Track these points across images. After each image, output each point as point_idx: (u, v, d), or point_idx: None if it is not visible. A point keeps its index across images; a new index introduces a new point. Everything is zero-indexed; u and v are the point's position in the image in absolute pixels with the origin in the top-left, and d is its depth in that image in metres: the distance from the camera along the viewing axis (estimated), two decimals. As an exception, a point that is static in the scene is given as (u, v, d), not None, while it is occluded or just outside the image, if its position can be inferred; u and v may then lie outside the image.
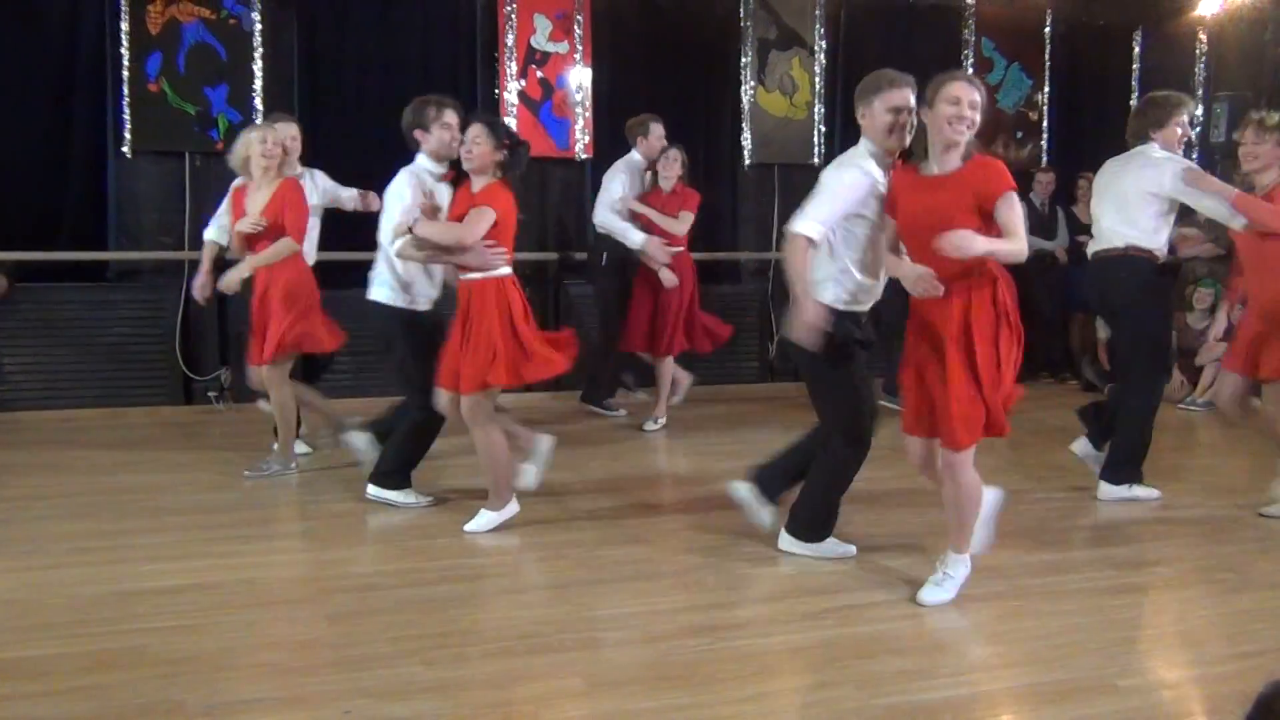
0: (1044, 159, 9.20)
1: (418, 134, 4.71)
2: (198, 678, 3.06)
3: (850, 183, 3.68)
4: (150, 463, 5.73)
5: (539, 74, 7.88)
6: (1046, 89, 9.25)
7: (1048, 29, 9.19)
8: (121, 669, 3.12)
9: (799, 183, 7.39)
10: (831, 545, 4.11)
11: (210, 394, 7.30)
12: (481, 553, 4.27)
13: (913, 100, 3.66)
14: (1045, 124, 9.29)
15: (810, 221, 3.62)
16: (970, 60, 8.93)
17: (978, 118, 3.45)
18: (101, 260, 7.16)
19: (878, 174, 3.69)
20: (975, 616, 3.60)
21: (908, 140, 3.66)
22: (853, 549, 4.12)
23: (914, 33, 8.76)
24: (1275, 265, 4.54)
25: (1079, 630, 3.45)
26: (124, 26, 7.00)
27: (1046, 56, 9.23)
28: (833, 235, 3.72)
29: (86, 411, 6.92)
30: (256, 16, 7.27)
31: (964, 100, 3.41)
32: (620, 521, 4.66)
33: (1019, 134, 9.20)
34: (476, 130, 4.32)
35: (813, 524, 4.10)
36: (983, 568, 3.78)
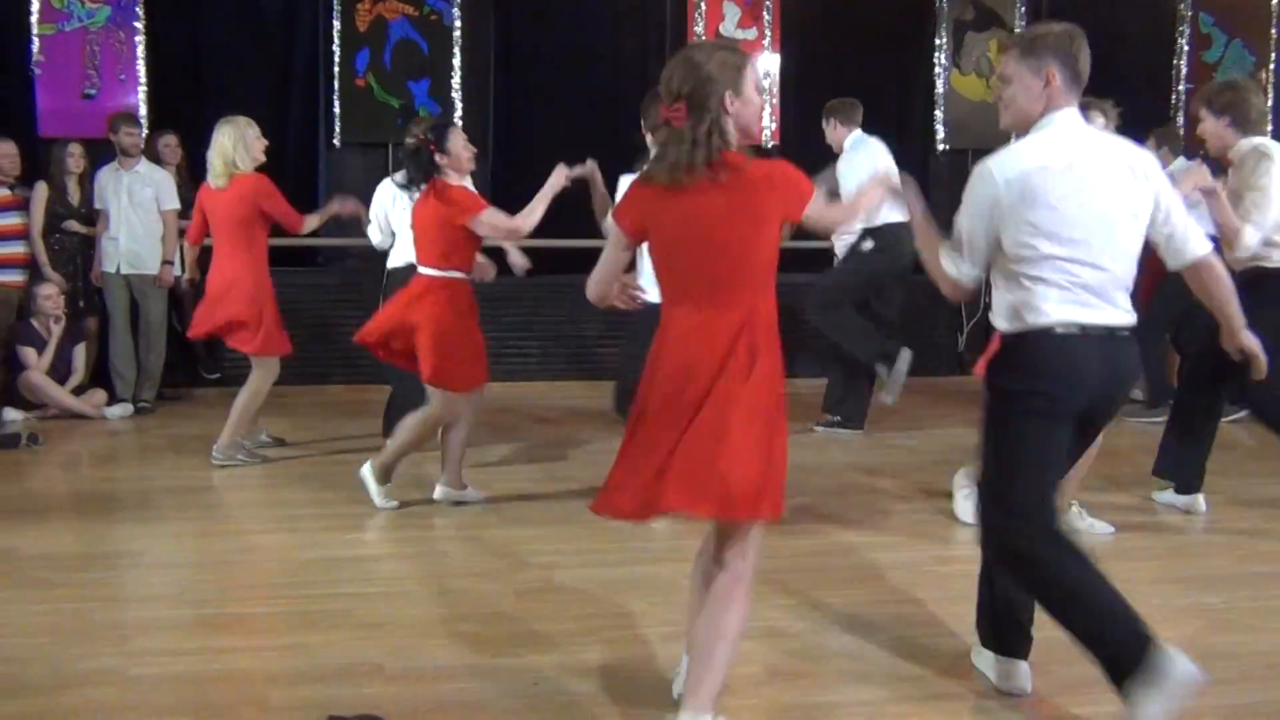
0: (1269, 142, 8.56)
1: None
2: (395, 642, 3.22)
3: None
4: (352, 438, 6.05)
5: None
6: (1272, 66, 8.57)
7: (1275, 1, 8.52)
8: (326, 630, 3.32)
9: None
10: None
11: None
12: (660, 537, 4.32)
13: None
14: (1271, 104, 8.62)
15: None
16: (1186, 36, 8.38)
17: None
18: (312, 246, 7.62)
19: None
20: (1184, 629, 3.40)
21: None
22: None
23: (1124, 8, 8.28)
24: None
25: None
26: (336, 25, 7.41)
27: (1273, 30, 8.55)
28: None
29: (296, 388, 7.36)
30: (457, 12, 7.55)
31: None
32: (802, 515, 4.62)
33: (1240, 115, 8.58)
34: None
35: None
36: (1194, 578, 3.57)
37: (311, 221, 5.52)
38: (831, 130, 6.08)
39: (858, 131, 6.04)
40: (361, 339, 4.58)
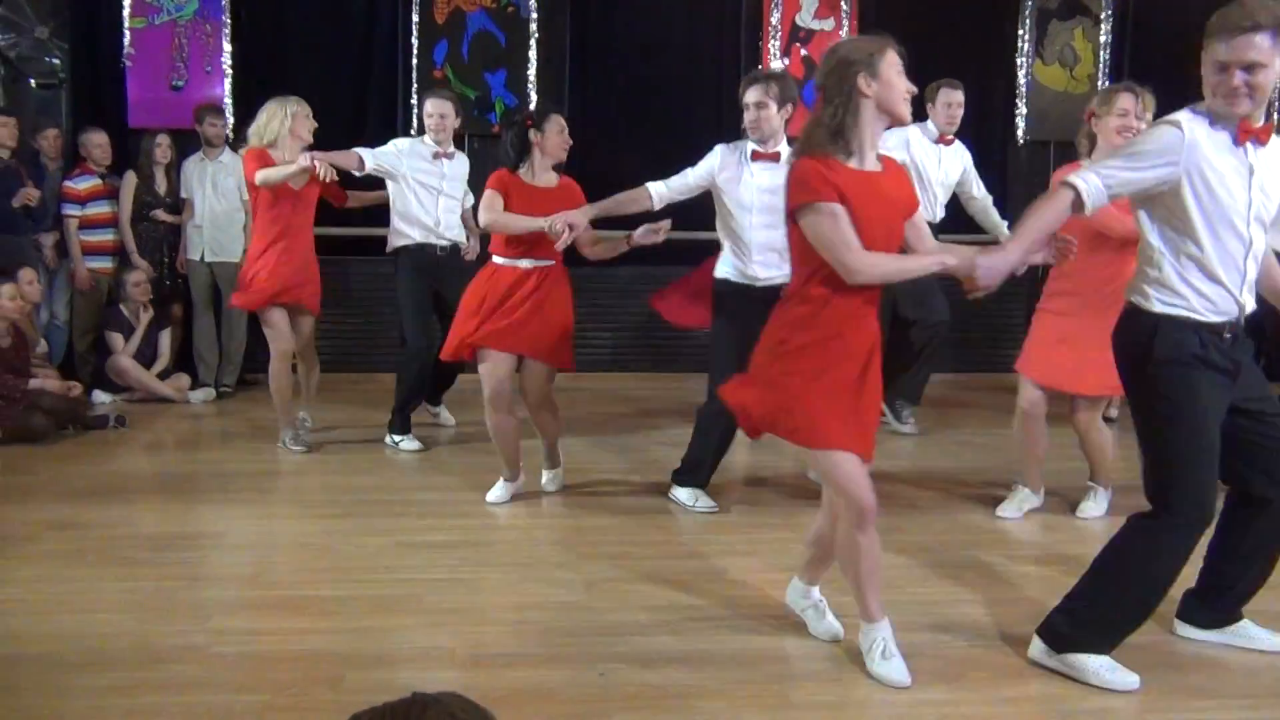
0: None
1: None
2: (465, 628, 3.27)
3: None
4: (424, 425, 6.13)
5: (803, 52, 7.79)
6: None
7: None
8: (400, 614, 3.37)
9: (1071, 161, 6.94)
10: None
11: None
12: (729, 530, 4.31)
13: (1255, 53, 2.66)
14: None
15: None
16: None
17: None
18: (383, 236, 7.70)
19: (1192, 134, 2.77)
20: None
21: (1246, 106, 2.72)
22: None
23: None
24: None
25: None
26: (415, 18, 7.50)
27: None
28: None
29: (372, 375, 7.48)
30: (533, 4, 7.58)
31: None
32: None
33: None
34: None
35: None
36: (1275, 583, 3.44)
37: (269, 174, 5.23)
38: None
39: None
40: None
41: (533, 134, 4.38)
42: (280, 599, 3.53)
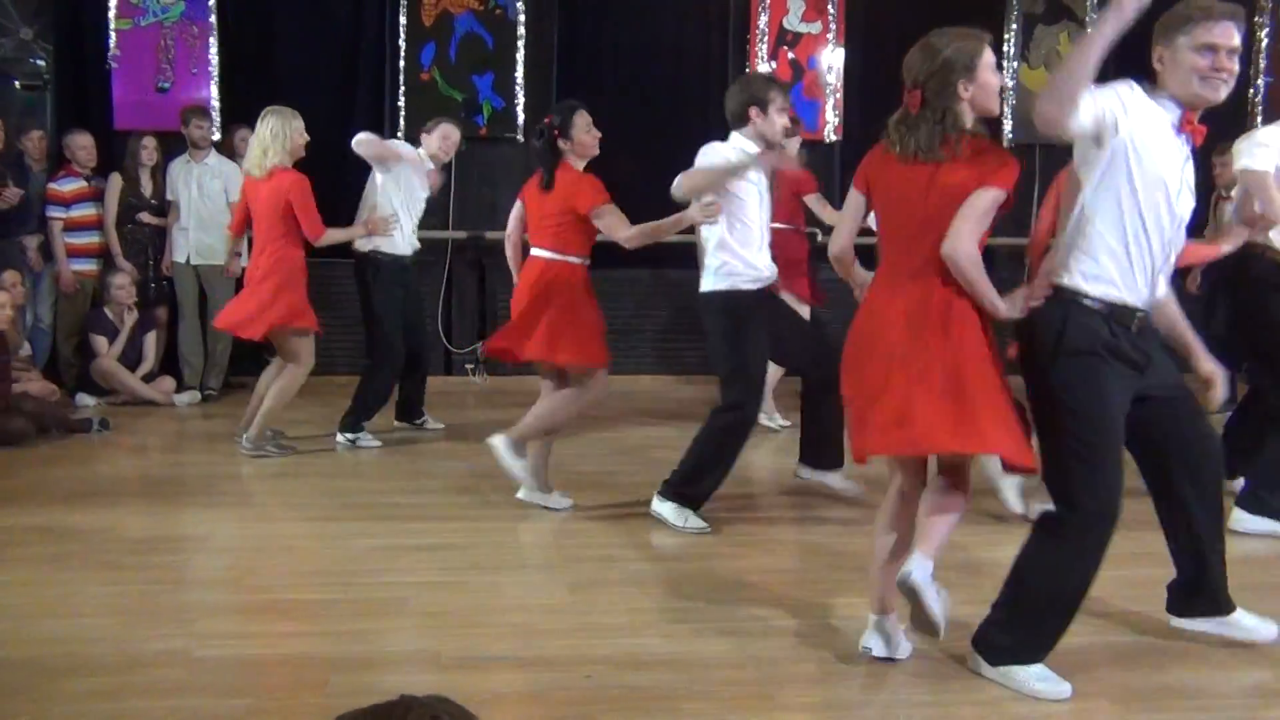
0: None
1: (753, 111, 4.22)
2: (452, 631, 3.26)
3: None
4: (413, 429, 6.11)
5: (790, 55, 7.81)
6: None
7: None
8: (386, 617, 3.36)
9: (1062, 164, 6.98)
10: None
11: (468, 366, 7.72)
12: (715, 531, 4.30)
13: (1237, 40, 2.73)
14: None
15: None
16: (1267, 27, 8.12)
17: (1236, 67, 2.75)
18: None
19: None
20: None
21: (1223, 92, 2.75)
22: None
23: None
24: None
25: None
26: (402, 20, 7.49)
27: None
28: None
29: (352, 378, 7.45)
30: (521, 6, 7.58)
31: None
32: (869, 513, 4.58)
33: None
34: None
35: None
36: (1265, 585, 3.47)
37: (335, 235, 5.47)
38: None
39: None
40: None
41: (561, 142, 4.33)
42: (265, 602, 3.52)
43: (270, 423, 5.44)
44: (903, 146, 2.89)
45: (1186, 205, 2.82)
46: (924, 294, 2.85)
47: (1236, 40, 2.72)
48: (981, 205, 2.79)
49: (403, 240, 5.71)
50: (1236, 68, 2.73)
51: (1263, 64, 8.15)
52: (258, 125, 5.33)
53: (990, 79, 2.87)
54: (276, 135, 5.24)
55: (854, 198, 3.11)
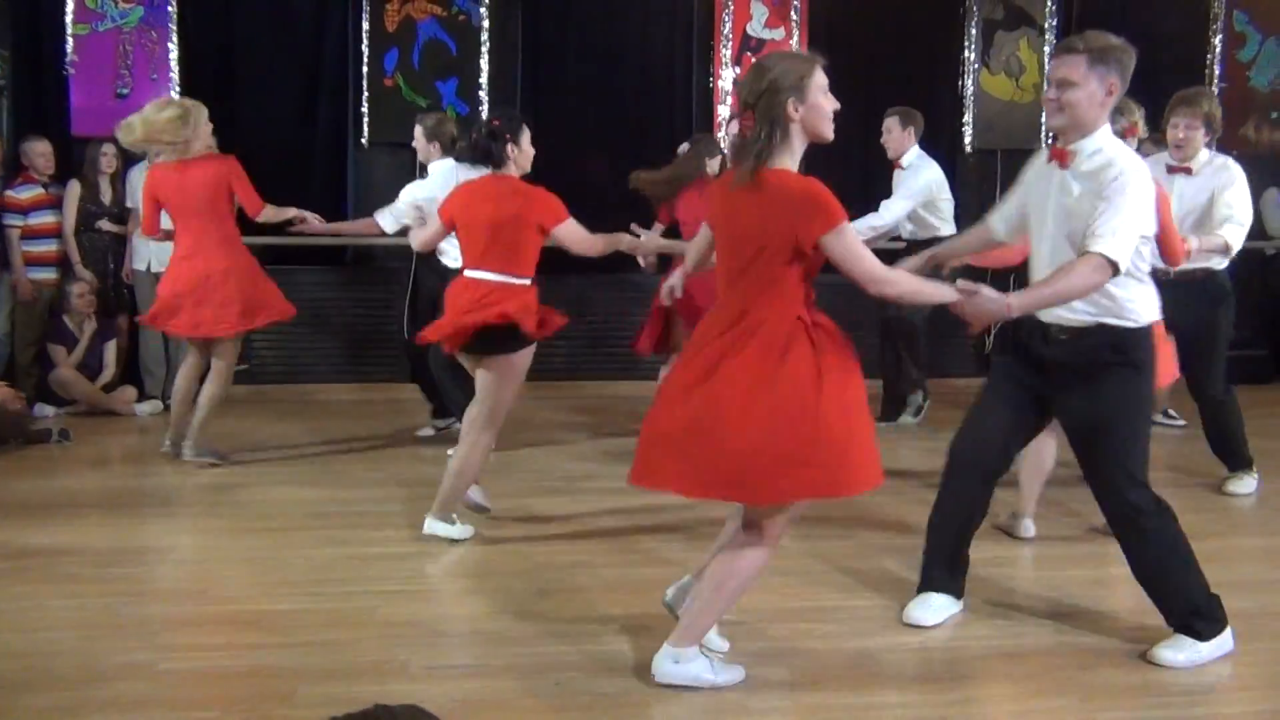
0: (1305, 143, 8.43)
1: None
2: (420, 640, 3.24)
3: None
4: (379, 437, 6.08)
5: (753, 61, 7.84)
6: (1308, 65, 8.45)
7: (1311, 0, 8.40)
8: (353, 627, 3.34)
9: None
10: None
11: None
12: (684, 539, 4.31)
13: (1064, 71, 3.03)
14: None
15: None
16: (1220, 35, 8.28)
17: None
18: (340, 245, 7.65)
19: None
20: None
21: (1058, 120, 3.07)
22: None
23: (1157, 6, 8.19)
24: None
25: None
26: (365, 25, 7.44)
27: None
28: None
29: (324, 386, 7.41)
30: (484, 12, 7.57)
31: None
32: (837, 520, 4.60)
33: (1274, 115, 8.46)
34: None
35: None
36: (1224, 583, 3.52)
37: (268, 212, 5.40)
38: (897, 134, 6.21)
39: (917, 148, 6.25)
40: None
41: (510, 149, 4.11)
42: (230, 614, 3.48)
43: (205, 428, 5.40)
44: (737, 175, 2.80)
45: (1069, 225, 3.06)
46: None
47: (1064, 72, 3.01)
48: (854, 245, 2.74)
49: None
50: (1068, 97, 3.00)
51: (1217, 71, 8.29)
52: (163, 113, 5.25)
53: (823, 101, 2.78)
54: (200, 122, 5.22)
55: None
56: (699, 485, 2.77)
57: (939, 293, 2.89)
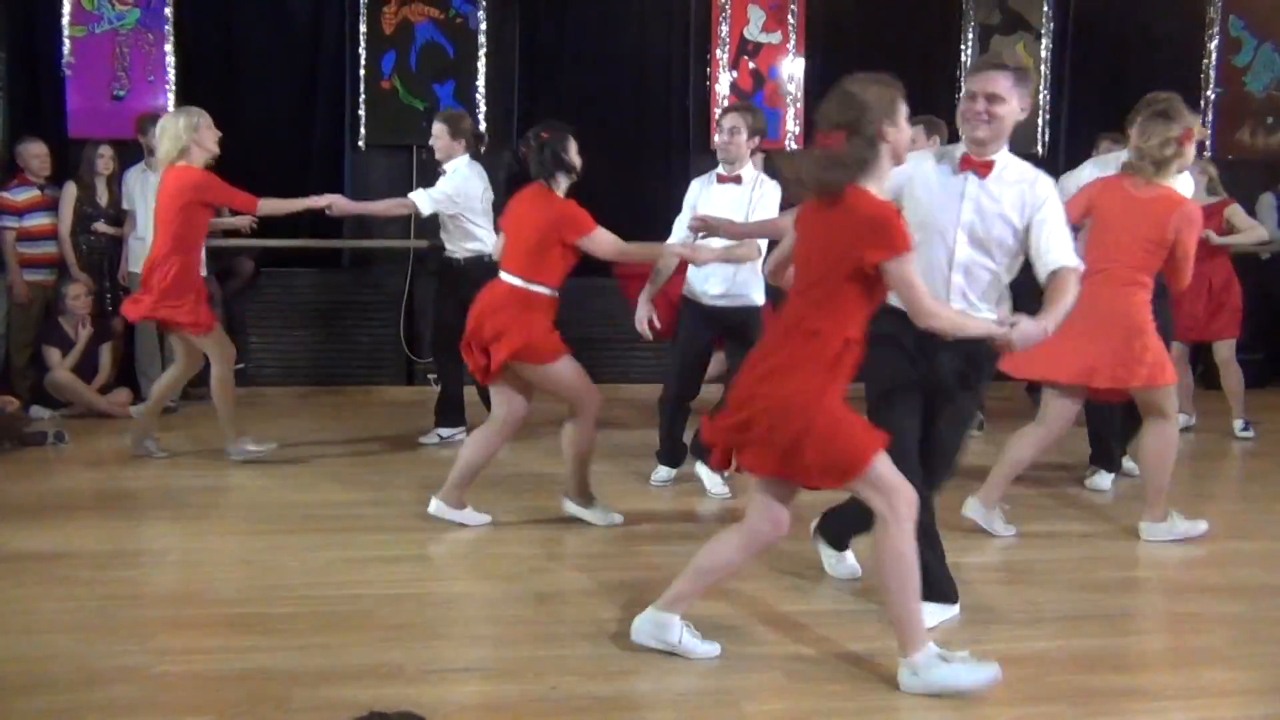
0: (1299, 148, 8.45)
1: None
2: (416, 643, 3.24)
3: None
4: (375, 439, 6.08)
5: (751, 65, 7.86)
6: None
7: (1307, 5, 8.42)
8: (348, 630, 3.33)
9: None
10: None
11: (430, 376, 7.66)
12: (681, 542, 4.30)
13: (993, 86, 3.21)
14: (1301, 108, 8.52)
15: None
16: (1215, 40, 8.29)
17: (999, 111, 3.20)
18: (337, 248, 7.65)
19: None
20: (1209, 638, 3.37)
21: (984, 132, 3.23)
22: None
23: (1153, 11, 8.20)
24: None
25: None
26: (362, 28, 7.44)
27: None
28: None
29: (320, 389, 7.41)
30: (482, 15, 7.57)
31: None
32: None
33: (1269, 120, 8.48)
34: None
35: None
36: (1221, 587, 3.54)
37: (267, 205, 5.41)
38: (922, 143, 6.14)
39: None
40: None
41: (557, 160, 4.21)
42: (225, 617, 3.47)
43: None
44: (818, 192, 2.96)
45: (985, 230, 3.23)
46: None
47: (993, 87, 3.18)
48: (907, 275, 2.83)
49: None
50: (996, 110, 3.17)
51: (1213, 76, 8.31)
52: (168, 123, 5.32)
53: (906, 127, 2.95)
54: (190, 130, 5.21)
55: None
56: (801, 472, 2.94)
57: (982, 327, 3.02)
